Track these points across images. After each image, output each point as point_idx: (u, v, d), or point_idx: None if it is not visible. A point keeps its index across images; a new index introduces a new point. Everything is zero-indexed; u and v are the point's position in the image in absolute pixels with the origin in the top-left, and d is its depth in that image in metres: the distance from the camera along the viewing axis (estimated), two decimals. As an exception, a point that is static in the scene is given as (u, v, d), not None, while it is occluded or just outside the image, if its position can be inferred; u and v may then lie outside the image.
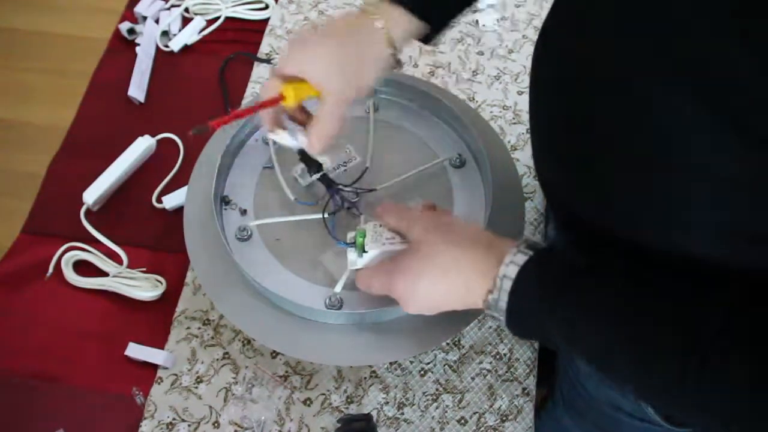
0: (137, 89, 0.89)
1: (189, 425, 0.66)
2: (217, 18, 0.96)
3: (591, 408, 0.72)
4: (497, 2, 0.99)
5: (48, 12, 1.01)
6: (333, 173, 0.69)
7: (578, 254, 0.48)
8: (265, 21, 0.96)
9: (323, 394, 0.68)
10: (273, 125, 0.60)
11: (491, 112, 0.88)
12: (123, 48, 0.94)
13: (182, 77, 0.91)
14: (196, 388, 0.68)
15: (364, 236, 0.57)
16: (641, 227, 0.48)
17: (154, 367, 0.69)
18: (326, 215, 0.65)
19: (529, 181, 0.82)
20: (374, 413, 0.67)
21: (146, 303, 0.72)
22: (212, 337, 0.71)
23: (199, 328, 0.71)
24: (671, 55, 0.38)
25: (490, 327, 0.72)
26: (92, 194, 0.77)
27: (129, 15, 0.97)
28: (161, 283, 0.73)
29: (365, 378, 0.69)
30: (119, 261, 0.75)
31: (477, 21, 0.96)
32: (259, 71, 0.90)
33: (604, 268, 0.47)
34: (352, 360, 0.63)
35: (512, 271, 0.48)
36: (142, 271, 0.74)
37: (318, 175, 0.65)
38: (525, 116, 0.87)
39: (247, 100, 0.87)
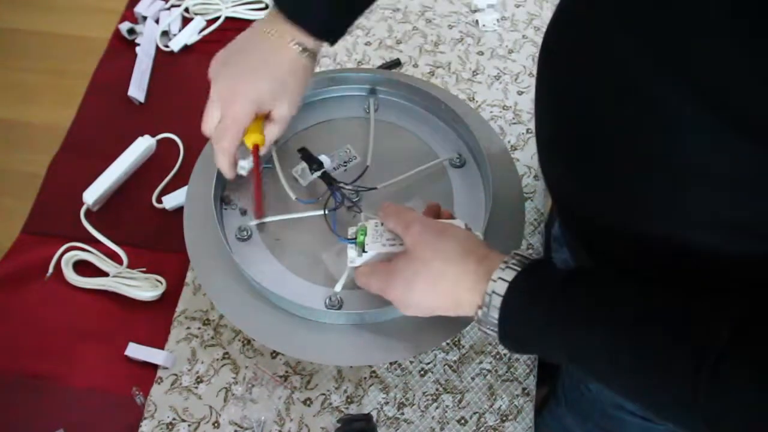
0: (137, 89, 0.89)
1: (189, 425, 0.66)
2: (217, 18, 0.96)
3: (594, 408, 0.72)
4: (497, 2, 0.99)
5: (48, 12, 1.01)
6: (333, 173, 0.69)
7: (570, 267, 0.47)
8: (265, 21, 0.96)
9: (323, 394, 0.68)
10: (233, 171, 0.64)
11: (491, 112, 0.88)
12: (123, 48, 0.94)
13: (182, 77, 0.91)
14: (196, 388, 0.68)
15: (365, 234, 0.57)
16: (642, 223, 0.48)
17: (154, 367, 0.69)
18: (327, 211, 0.65)
19: (529, 181, 0.82)
20: (374, 413, 0.67)
21: (146, 303, 0.72)
22: (212, 337, 0.71)
23: (199, 328, 0.71)
24: (671, 55, 0.38)
25: (490, 327, 0.72)
26: (92, 194, 0.77)
27: (129, 15, 0.97)
28: (161, 283, 0.73)
29: (365, 378, 0.69)
30: (119, 261, 0.75)
31: (477, 21, 0.96)
32: (259, 71, 0.90)
33: (597, 279, 0.46)
34: (352, 360, 0.63)
35: (501, 288, 0.47)
36: (142, 271, 0.74)
37: (318, 173, 0.66)
38: (525, 116, 0.87)
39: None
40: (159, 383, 0.68)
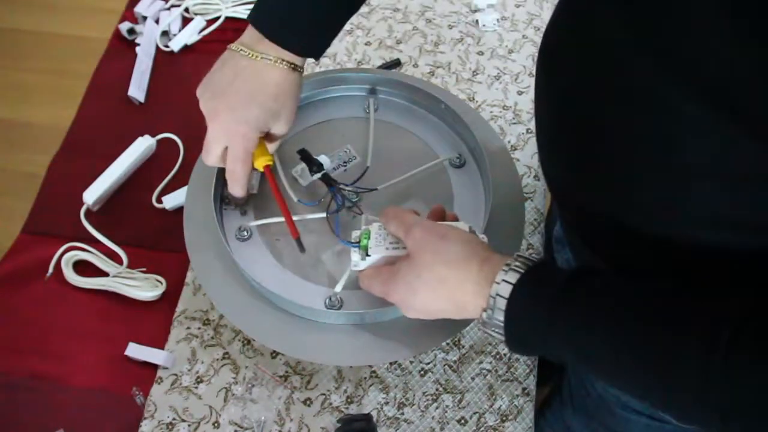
0: (137, 89, 0.89)
1: (189, 425, 0.66)
2: (217, 18, 0.96)
3: (599, 408, 0.72)
4: (497, 2, 0.99)
5: (48, 12, 1.00)
6: (333, 173, 0.69)
7: (572, 267, 0.47)
8: (265, 21, 0.96)
9: (323, 394, 0.68)
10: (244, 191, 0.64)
11: (491, 112, 0.88)
12: (123, 48, 0.94)
13: (182, 77, 0.91)
14: (196, 388, 0.68)
15: (369, 238, 0.57)
16: (643, 222, 0.48)
17: (154, 367, 0.69)
18: (329, 214, 0.65)
19: (529, 181, 0.82)
20: (374, 413, 0.67)
21: (146, 303, 0.72)
22: (212, 337, 0.71)
23: (199, 328, 0.71)
24: (671, 55, 0.38)
25: (490, 327, 0.72)
26: (92, 194, 0.77)
27: (129, 15, 0.97)
28: (161, 283, 0.73)
29: (365, 378, 0.69)
30: (119, 261, 0.75)
31: (477, 21, 0.96)
32: (259, 71, 0.90)
33: (600, 279, 0.46)
34: (352, 360, 0.63)
35: (505, 290, 0.47)
36: (142, 271, 0.74)
37: (319, 175, 0.66)
38: (525, 116, 0.87)
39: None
40: (159, 383, 0.68)
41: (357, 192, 0.68)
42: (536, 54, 0.92)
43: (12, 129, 0.89)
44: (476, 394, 0.68)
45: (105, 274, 0.74)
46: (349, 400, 0.68)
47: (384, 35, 0.95)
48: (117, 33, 0.95)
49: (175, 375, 0.69)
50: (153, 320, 0.72)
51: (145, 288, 0.72)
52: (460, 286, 0.50)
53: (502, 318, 0.47)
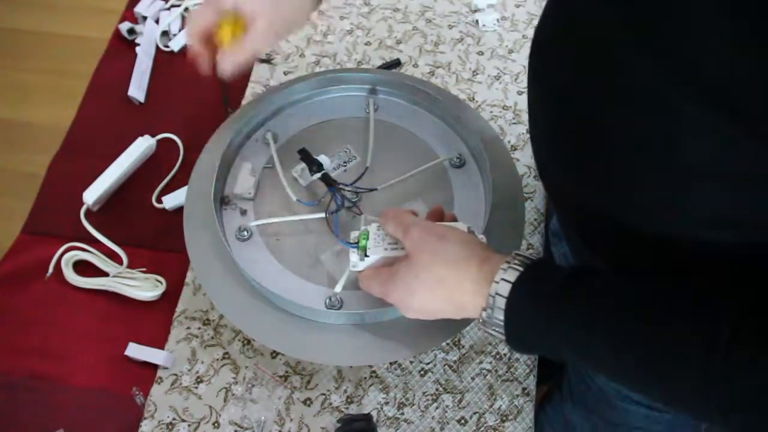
0: (137, 89, 0.89)
1: (189, 425, 0.66)
2: (217, 18, 0.96)
3: (600, 402, 0.72)
4: (497, 2, 0.99)
5: (48, 12, 1.01)
6: (333, 173, 0.69)
7: (571, 265, 0.47)
8: (265, 21, 0.96)
9: (323, 394, 0.68)
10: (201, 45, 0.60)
11: (491, 112, 0.88)
12: (123, 48, 0.94)
13: (182, 77, 0.91)
14: (196, 388, 0.68)
15: (367, 238, 0.57)
16: (643, 222, 0.48)
17: (154, 367, 0.69)
18: (328, 214, 0.65)
19: (529, 181, 0.82)
20: (374, 413, 0.67)
21: (146, 303, 0.72)
22: (212, 337, 0.71)
23: (199, 328, 0.71)
24: (671, 55, 0.38)
25: (490, 327, 0.72)
26: (92, 194, 0.77)
27: (129, 15, 0.97)
28: (161, 283, 0.73)
29: (365, 378, 0.69)
30: (119, 261, 0.75)
31: (477, 21, 0.96)
32: (258, 71, 0.90)
33: (600, 277, 0.46)
34: (352, 360, 0.63)
35: (504, 289, 0.47)
36: (142, 271, 0.74)
37: (319, 175, 0.66)
38: (525, 116, 0.87)
39: (246, 100, 0.87)
40: (159, 383, 0.68)
41: (357, 192, 0.68)
42: (536, 54, 0.92)
43: (12, 129, 0.89)
44: (476, 394, 0.68)
45: (105, 274, 0.74)
46: (349, 400, 0.68)
47: (384, 35, 0.95)
48: (117, 33, 0.95)
49: (175, 375, 0.69)
50: (153, 320, 0.72)
51: (145, 288, 0.72)
52: (458, 286, 0.50)
53: (502, 317, 0.47)
